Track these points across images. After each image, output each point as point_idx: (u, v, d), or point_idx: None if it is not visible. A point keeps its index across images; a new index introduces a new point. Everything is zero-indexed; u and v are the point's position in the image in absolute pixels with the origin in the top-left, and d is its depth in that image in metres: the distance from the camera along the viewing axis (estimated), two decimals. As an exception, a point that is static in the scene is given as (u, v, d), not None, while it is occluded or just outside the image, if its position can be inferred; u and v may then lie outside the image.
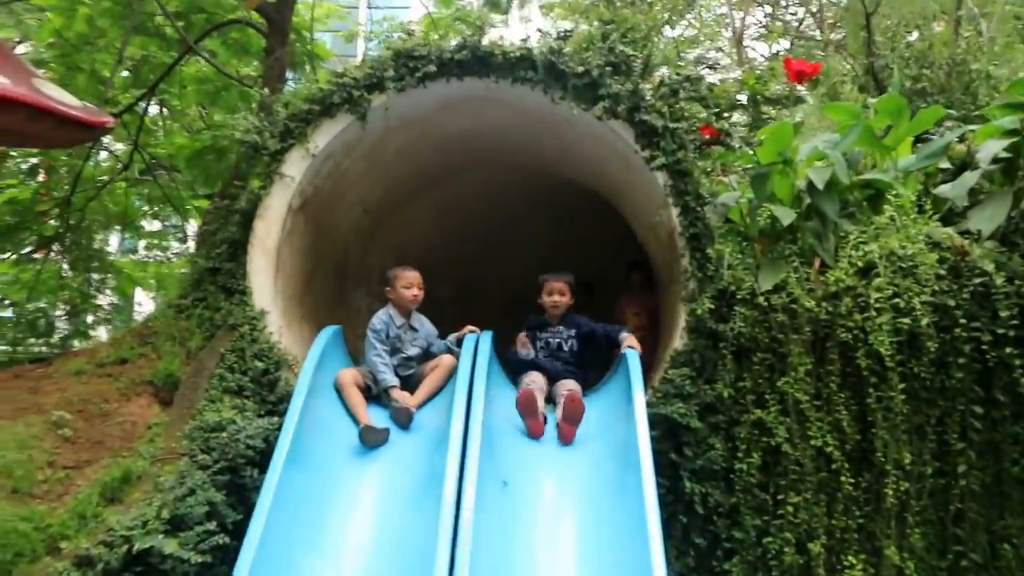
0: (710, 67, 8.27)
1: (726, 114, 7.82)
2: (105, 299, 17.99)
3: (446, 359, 6.96)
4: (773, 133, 7.04)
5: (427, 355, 7.20)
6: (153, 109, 14.84)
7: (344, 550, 5.50)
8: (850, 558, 6.26)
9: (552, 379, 7.07)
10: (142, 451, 6.14)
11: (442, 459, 5.73)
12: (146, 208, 16.31)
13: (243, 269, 7.13)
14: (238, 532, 5.60)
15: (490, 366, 6.68)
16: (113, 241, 19.22)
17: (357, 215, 8.28)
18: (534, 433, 6.43)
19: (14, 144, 11.83)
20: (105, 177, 14.47)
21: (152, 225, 18.77)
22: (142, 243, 18.62)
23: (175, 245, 19.62)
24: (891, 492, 6.23)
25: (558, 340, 7.30)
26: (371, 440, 6.25)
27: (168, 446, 6.14)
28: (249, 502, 5.89)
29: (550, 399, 6.96)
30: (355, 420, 6.43)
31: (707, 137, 7.38)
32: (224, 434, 6.06)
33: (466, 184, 9.03)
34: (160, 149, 14.43)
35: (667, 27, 18.84)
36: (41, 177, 14.67)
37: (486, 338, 6.95)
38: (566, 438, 6.39)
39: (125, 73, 13.98)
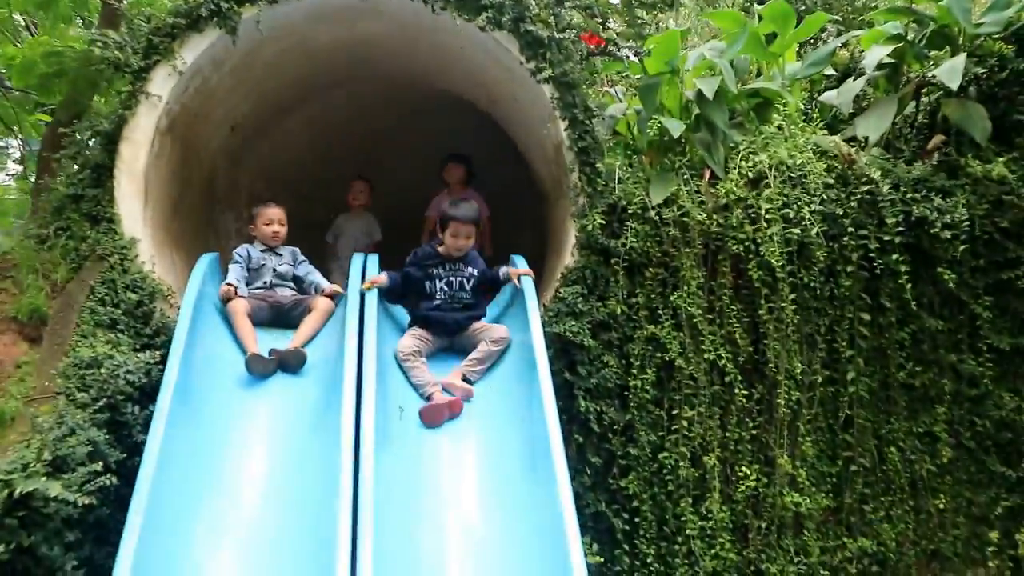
0: None
1: (610, 22, 7.98)
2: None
3: (323, 301, 7.00)
4: (661, 42, 7.17)
5: (297, 281, 7.31)
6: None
7: (242, 484, 5.58)
8: (743, 469, 6.65)
9: (451, 333, 6.89)
10: (13, 391, 6.00)
11: (335, 390, 5.84)
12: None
13: (109, 195, 6.99)
14: (122, 472, 5.58)
15: (379, 297, 6.78)
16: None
17: (225, 134, 8.18)
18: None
19: None
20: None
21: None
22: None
23: (11, 166, 19.05)
24: (783, 402, 6.61)
25: (460, 278, 7.02)
26: (258, 369, 6.29)
27: (41, 385, 6.01)
28: (131, 440, 5.87)
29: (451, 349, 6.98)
30: (243, 350, 6.50)
31: (593, 47, 7.54)
32: (102, 370, 5.95)
33: (339, 98, 8.96)
34: (-1, 67, 13.95)
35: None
36: None
37: (373, 261, 7.02)
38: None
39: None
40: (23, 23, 14.97)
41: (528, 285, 6.84)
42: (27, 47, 12.29)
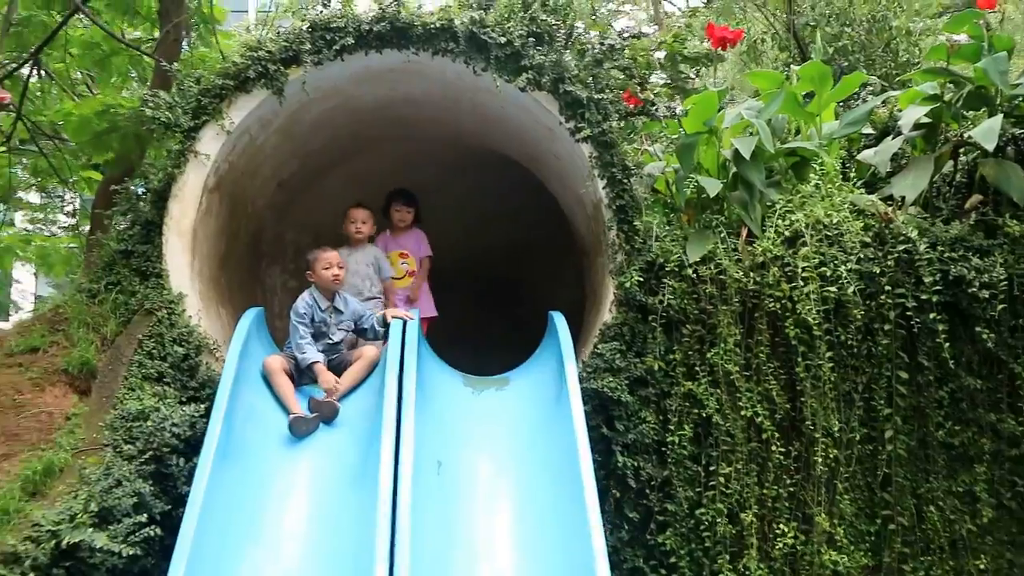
0: (634, 36, 8.43)
1: (648, 81, 8.08)
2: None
3: (369, 351, 7.12)
4: (698, 102, 7.27)
5: (356, 333, 7.42)
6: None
7: (282, 537, 5.67)
8: (781, 526, 6.63)
9: None
10: (62, 443, 6.16)
11: (374, 444, 5.93)
12: (30, 180, 16.08)
13: (158, 251, 7.17)
14: (166, 523, 5.77)
15: (420, 348, 6.86)
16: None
17: (272, 190, 8.37)
18: None
19: None
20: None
21: (29, 196, 18.45)
22: (19, 215, 18.34)
23: (62, 219, 19.37)
24: (820, 459, 6.59)
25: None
26: (302, 430, 6.40)
27: (90, 437, 6.18)
28: (176, 492, 6.06)
29: None
30: (284, 408, 6.58)
31: (631, 107, 7.64)
32: (148, 423, 6.15)
33: (383, 155, 9.12)
34: (42, 117, 14.23)
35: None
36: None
37: (410, 326, 7.08)
38: None
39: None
40: (82, 79, 15.30)
41: (564, 333, 7.02)
42: (84, 106, 12.64)
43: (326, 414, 6.55)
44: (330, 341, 7.22)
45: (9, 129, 13.18)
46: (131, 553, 5.53)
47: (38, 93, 14.88)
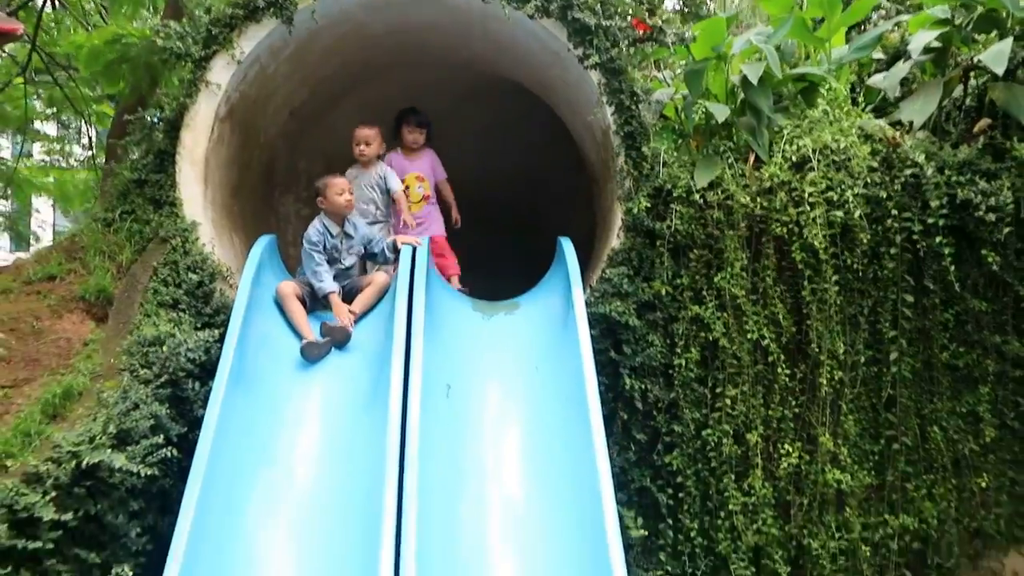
0: None
1: (658, 7, 8.06)
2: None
3: (380, 277, 7.22)
4: (706, 28, 7.31)
5: (366, 257, 7.53)
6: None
7: (295, 460, 5.83)
8: (786, 446, 6.77)
9: None
10: (81, 368, 6.25)
11: (384, 369, 6.03)
12: (46, 111, 16.15)
13: (172, 180, 7.26)
14: (183, 445, 5.90)
15: (429, 273, 6.96)
16: (4, 145, 18.98)
17: (283, 119, 8.41)
18: None
19: None
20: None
21: (47, 128, 18.50)
22: (36, 146, 18.43)
23: (77, 150, 19.43)
24: (825, 381, 6.72)
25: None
26: (313, 355, 6.52)
27: (107, 362, 6.26)
28: (191, 415, 6.19)
29: None
30: (296, 333, 6.71)
31: (640, 33, 7.63)
32: (163, 348, 6.24)
33: (394, 82, 9.13)
34: (56, 48, 14.27)
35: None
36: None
37: (420, 253, 7.14)
38: None
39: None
40: (95, 9, 15.31)
41: (570, 256, 7.11)
42: (95, 36, 12.65)
43: (338, 339, 6.66)
44: (342, 266, 7.32)
45: (24, 60, 13.25)
46: (149, 473, 5.64)
47: (52, 24, 14.93)
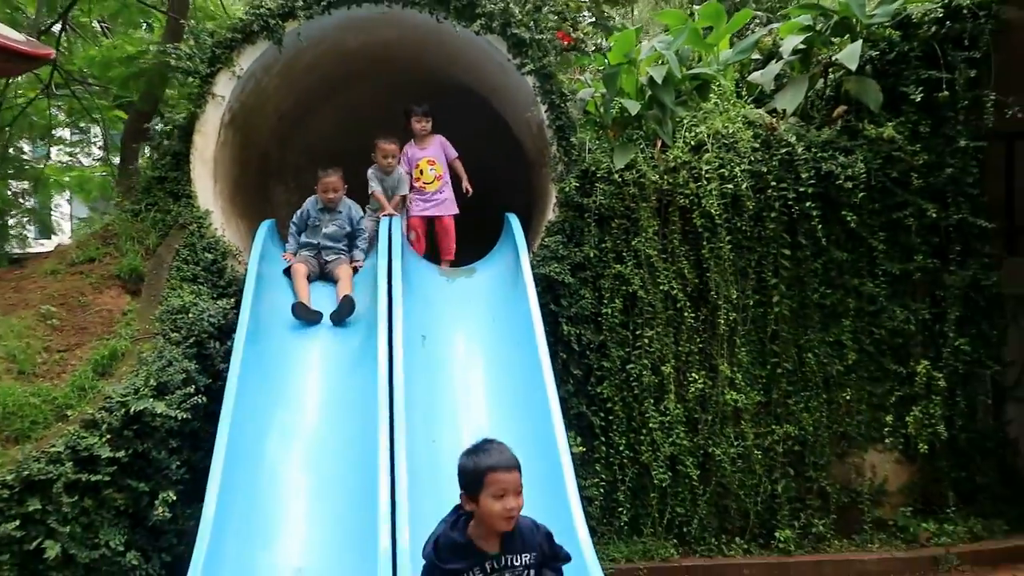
0: None
1: (579, 21, 8.15)
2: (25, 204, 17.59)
3: (344, 270, 7.04)
4: (620, 39, 7.41)
5: (351, 234, 7.39)
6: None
7: (305, 402, 5.95)
8: (693, 374, 6.95)
9: None
10: (122, 333, 6.32)
11: (371, 327, 6.15)
12: (65, 120, 15.84)
13: (187, 177, 7.28)
14: (208, 392, 5.98)
15: (402, 246, 6.99)
16: (26, 149, 18.51)
17: (274, 123, 8.41)
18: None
19: None
20: (22, 92, 14.03)
21: (63, 133, 18.10)
22: (54, 150, 18.05)
23: (94, 151, 19.08)
24: (723, 322, 6.91)
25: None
26: (302, 315, 6.57)
27: (143, 328, 6.32)
28: (214, 368, 6.26)
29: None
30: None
31: (565, 44, 7.72)
32: (189, 315, 6.33)
33: (363, 90, 9.12)
34: (72, 65, 13.99)
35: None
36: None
37: (396, 223, 7.23)
38: None
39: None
40: (100, 30, 15.04)
41: (517, 229, 7.20)
42: (104, 48, 12.50)
43: (345, 315, 6.63)
44: (323, 232, 7.23)
45: (47, 78, 13.02)
46: (183, 417, 5.73)
47: (64, 45, 14.63)
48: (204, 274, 6.98)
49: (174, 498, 5.55)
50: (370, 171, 7.71)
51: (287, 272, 6.95)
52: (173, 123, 7.53)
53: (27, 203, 17.96)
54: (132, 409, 5.54)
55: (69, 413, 5.61)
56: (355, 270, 7.15)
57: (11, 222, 16.53)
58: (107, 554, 5.30)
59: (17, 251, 15.23)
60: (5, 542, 5.03)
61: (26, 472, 5.14)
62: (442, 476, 5.43)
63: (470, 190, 7.71)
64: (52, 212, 19.12)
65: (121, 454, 5.42)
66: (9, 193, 15.92)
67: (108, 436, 5.43)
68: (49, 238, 19.99)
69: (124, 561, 5.35)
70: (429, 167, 7.76)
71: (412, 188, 7.78)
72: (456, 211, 7.82)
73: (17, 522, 5.04)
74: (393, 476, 5.02)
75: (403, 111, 7.94)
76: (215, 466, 5.12)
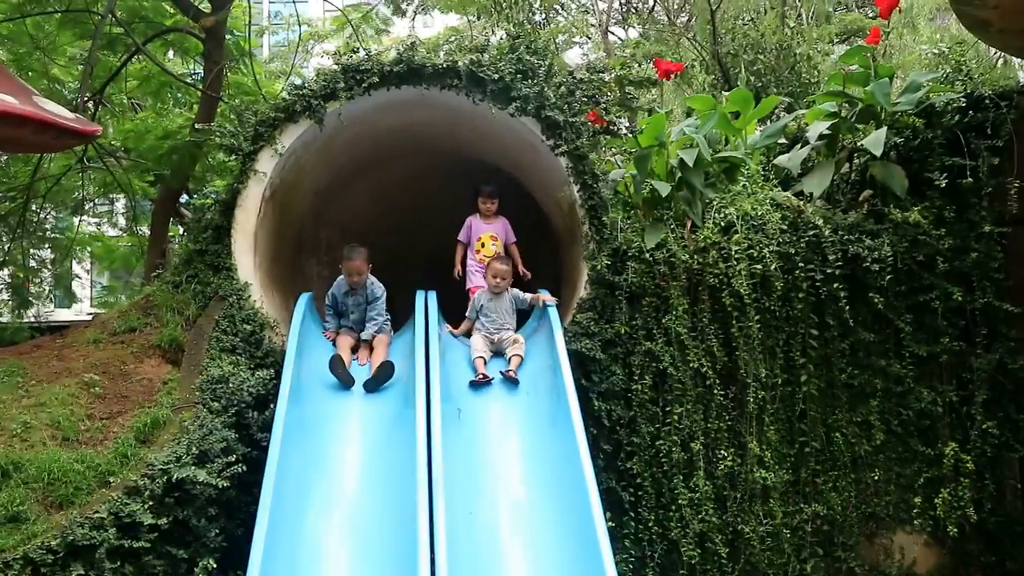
0: (598, 71, 8.53)
1: (608, 104, 8.29)
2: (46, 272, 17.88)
3: (380, 341, 7.23)
4: (651, 122, 7.59)
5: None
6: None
7: (344, 471, 6.03)
8: (722, 451, 6.97)
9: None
10: (163, 402, 6.43)
11: (409, 396, 6.27)
12: (98, 190, 16.14)
13: (227, 250, 7.43)
14: (247, 461, 6.07)
15: (439, 323, 7.19)
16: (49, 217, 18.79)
17: (311, 199, 8.56)
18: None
19: (18, 151, 11.69)
20: (54, 162, 14.33)
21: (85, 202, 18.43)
22: (75, 219, 18.34)
23: (120, 221, 19.40)
24: (752, 400, 6.94)
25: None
26: (337, 369, 6.68)
27: (184, 397, 6.43)
28: (252, 438, 6.36)
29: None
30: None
31: (597, 126, 7.90)
32: (229, 385, 6.44)
33: (396, 168, 9.30)
34: (104, 139, 14.28)
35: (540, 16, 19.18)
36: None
37: (432, 297, 7.37)
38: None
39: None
40: (129, 105, 15.38)
41: (552, 310, 7.23)
42: (139, 122, 12.80)
43: (382, 380, 6.76)
44: (352, 315, 7.40)
45: (82, 152, 13.31)
46: (223, 485, 5.82)
47: (98, 120, 14.95)
48: (243, 345, 7.10)
49: (214, 566, 5.61)
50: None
51: (334, 342, 7.07)
52: (215, 199, 7.69)
53: (47, 272, 18.24)
54: (174, 477, 5.66)
55: (112, 480, 5.72)
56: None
57: (33, 289, 16.80)
58: (147, 623, 5.37)
59: (33, 320, 15.50)
60: (50, 607, 5.12)
61: (70, 538, 5.24)
62: (480, 549, 5.54)
63: (527, 274, 7.77)
64: (75, 279, 19.38)
65: (162, 521, 5.52)
66: (32, 263, 16.22)
67: (150, 503, 5.54)
68: (70, 306, 20.23)
69: (164, 628, 5.42)
70: (491, 242, 7.86)
71: (469, 260, 7.92)
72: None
73: (62, 588, 5.13)
74: (432, 548, 5.07)
75: (472, 188, 8.11)
76: (258, 533, 5.17)
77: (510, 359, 7.10)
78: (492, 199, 7.97)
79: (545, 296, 7.45)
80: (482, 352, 7.13)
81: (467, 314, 7.47)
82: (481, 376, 6.89)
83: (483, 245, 7.86)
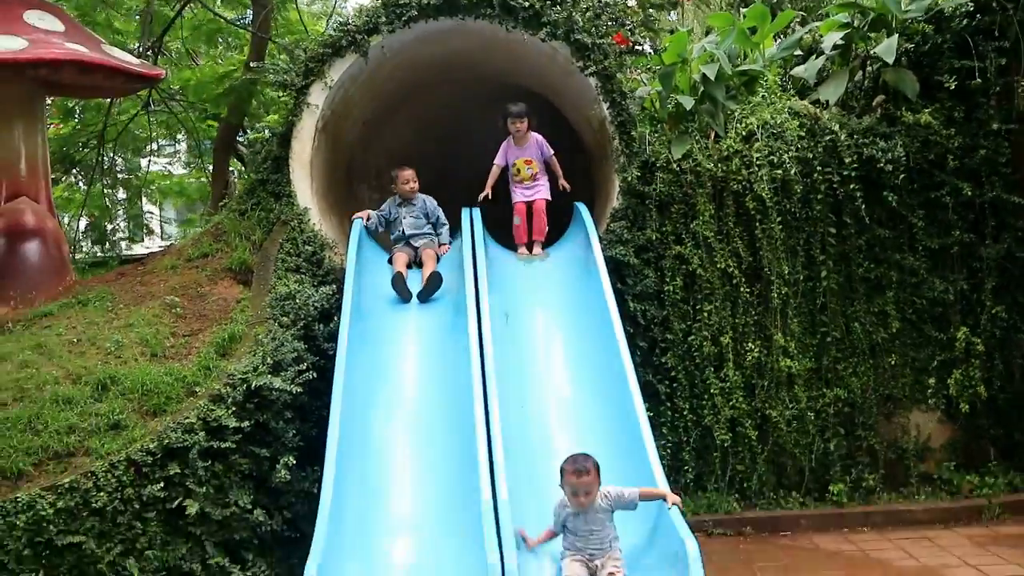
0: None
1: (633, 25, 8.12)
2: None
3: (428, 255, 7.01)
4: (673, 40, 7.45)
5: (432, 224, 7.36)
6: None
7: (403, 378, 6.06)
8: (749, 344, 7.03)
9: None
10: (237, 319, 6.49)
11: (460, 305, 6.25)
12: (163, 132, 16.25)
13: (286, 178, 7.43)
14: (316, 369, 6.12)
15: (484, 235, 7.10)
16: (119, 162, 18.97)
17: (359, 128, 8.49)
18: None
19: (91, 96, 11.76)
20: (123, 110, 14.41)
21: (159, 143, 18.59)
22: (148, 161, 18.49)
23: (183, 159, 19.59)
24: (776, 296, 6.98)
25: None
26: (398, 286, 6.59)
27: (256, 313, 6.49)
28: (319, 347, 6.40)
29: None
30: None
31: (624, 47, 7.76)
32: (296, 301, 6.46)
33: (436, 96, 9.19)
34: (165, 85, 14.30)
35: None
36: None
37: (477, 214, 7.29)
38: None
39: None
40: (186, 52, 15.34)
41: (586, 213, 7.21)
42: (199, 72, 12.79)
43: (432, 291, 6.67)
44: (403, 225, 7.22)
45: (146, 97, 13.35)
46: (297, 391, 5.88)
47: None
48: (306, 264, 7.12)
49: (294, 462, 5.72)
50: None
51: (391, 261, 6.99)
52: (271, 132, 7.67)
53: (121, 211, 18.49)
54: (253, 384, 5.71)
55: (198, 389, 5.79)
56: (440, 255, 7.17)
57: (109, 226, 17.06)
58: (236, 512, 5.49)
59: (113, 254, 15.77)
60: (151, 502, 5.26)
61: (166, 441, 5.35)
62: (532, 436, 5.60)
63: (567, 187, 7.50)
64: (147, 216, 19.63)
65: (245, 424, 5.59)
66: (107, 203, 16.43)
67: (233, 408, 5.60)
68: (142, 240, 20.53)
69: (252, 518, 5.54)
70: (526, 166, 7.50)
71: (509, 183, 7.61)
72: (548, 197, 7.52)
73: (161, 484, 5.26)
74: (489, 437, 5.12)
75: (500, 114, 7.65)
76: (331, 433, 5.23)
77: None
78: (520, 119, 7.50)
79: (671, 496, 4.81)
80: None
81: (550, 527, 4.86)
82: None
83: (518, 171, 7.58)
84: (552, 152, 7.55)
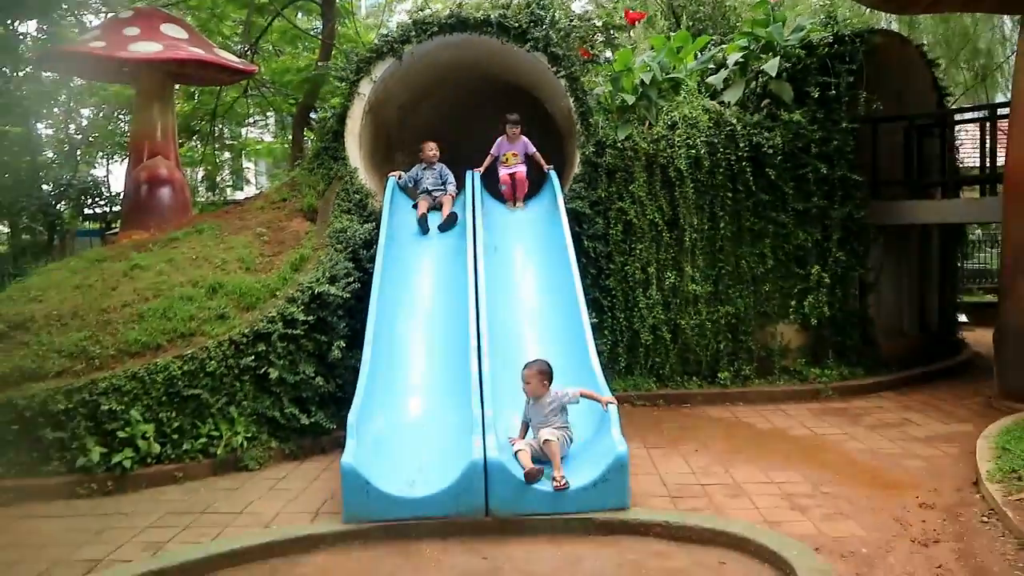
0: (584, 19, 8.24)
1: (594, 41, 8.10)
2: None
3: (447, 200, 7.01)
4: (621, 55, 7.43)
5: (443, 183, 7.28)
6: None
7: (422, 290, 6.20)
8: (668, 273, 7.11)
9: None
10: (306, 245, 6.61)
11: (463, 238, 6.37)
12: (257, 110, 16.18)
13: (342, 146, 7.43)
14: (360, 282, 6.21)
15: (481, 192, 7.16)
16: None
17: (395, 111, 8.43)
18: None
19: (205, 84, 11.81)
20: (227, 94, 14.32)
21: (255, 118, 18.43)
22: (243, 130, 18.35)
23: (272, 129, 19.45)
24: (687, 239, 7.06)
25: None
26: (422, 222, 6.68)
27: (319, 242, 6.62)
28: (363, 266, 6.43)
29: None
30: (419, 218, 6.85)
31: (586, 58, 7.73)
32: (347, 233, 6.58)
33: (451, 90, 8.97)
34: (259, 76, 14.15)
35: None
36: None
37: (476, 176, 7.30)
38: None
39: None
40: (272, 50, 15.14)
41: (555, 178, 7.15)
42: (281, 62, 12.63)
43: (450, 225, 6.74)
44: (426, 183, 7.18)
45: (246, 85, 13.24)
46: (346, 296, 6.03)
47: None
48: (354, 208, 7.13)
49: (344, 345, 5.91)
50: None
51: (415, 206, 7.01)
52: (333, 113, 7.66)
53: (226, 167, 18.45)
54: (316, 291, 5.88)
55: (278, 293, 5.96)
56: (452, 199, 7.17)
57: (218, 178, 17.06)
58: (304, 378, 5.71)
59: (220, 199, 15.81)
60: (245, 369, 5.48)
61: (256, 328, 5.55)
62: (508, 333, 5.75)
63: (548, 167, 7.43)
64: (245, 171, 19.58)
65: (311, 318, 5.78)
66: (217, 161, 16.41)
67: (302, 307, 5.78)
68: (242, 189, 20.52)
69: (314, 382, 5.75)
70: (513, 158, 7.36)
71: (499, 167, 7.47)
72: (525, 169, 7.39)
73: (252, 357, 5.49)
74: (479, 330, 5.30)
75: (501, 120, 7.53)
76: (369, 326, 5.40)
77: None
78: (516, 126, 7.47)
79: (605, 398, 4.74)
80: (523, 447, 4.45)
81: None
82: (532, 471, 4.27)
83: (507, 160, 7.50)
84: (535, 150, 7.43)
